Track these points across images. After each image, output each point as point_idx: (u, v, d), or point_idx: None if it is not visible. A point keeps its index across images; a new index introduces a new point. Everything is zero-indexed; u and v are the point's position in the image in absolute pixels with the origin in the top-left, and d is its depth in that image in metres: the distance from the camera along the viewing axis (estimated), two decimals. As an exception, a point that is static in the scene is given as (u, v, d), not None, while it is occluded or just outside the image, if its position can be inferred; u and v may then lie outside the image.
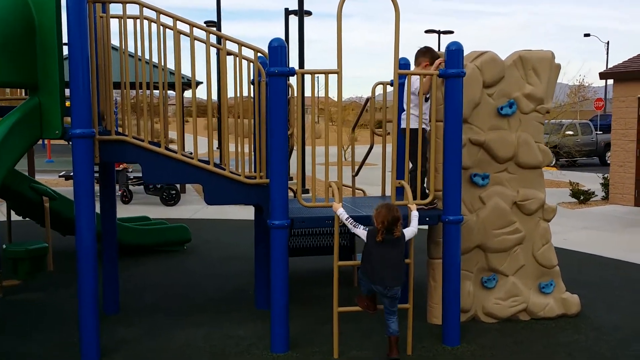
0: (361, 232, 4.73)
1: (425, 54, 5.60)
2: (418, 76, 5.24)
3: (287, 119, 4.90)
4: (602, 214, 12.60)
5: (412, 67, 5.83)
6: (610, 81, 14.53)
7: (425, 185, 5.58)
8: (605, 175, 14.53)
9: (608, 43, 50.07)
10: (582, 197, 14.09)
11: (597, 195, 14.39)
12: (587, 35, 50.20)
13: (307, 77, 6.24)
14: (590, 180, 17.15)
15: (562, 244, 9.37)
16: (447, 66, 5.06)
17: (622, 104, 13.70)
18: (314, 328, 5.63)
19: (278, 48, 4.69)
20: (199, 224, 11.26)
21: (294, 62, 15.04)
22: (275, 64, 4.68)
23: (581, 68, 72.16)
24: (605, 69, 14.32)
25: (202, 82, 12.25)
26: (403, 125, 5.54)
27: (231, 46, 5.53)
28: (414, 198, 5.20)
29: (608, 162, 16.78)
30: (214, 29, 18.57)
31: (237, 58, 5.42)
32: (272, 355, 4.98)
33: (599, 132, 26.88)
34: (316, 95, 6.15)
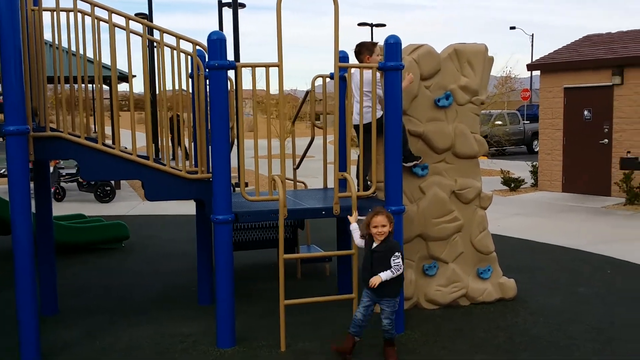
0: (357, 238, 4.87)
1: (368, 47, 5.70)
2: (370, 71, 5.28)
3: (228, 113, 4.86)
4: (532, 201, 13.08)
5: (352, 61, 5.90)
6: (537, 72, 15.07)
7: (367, 177, 5.66)
8: (534, 163, 15.08)
9: (533, 35, 51.80)
10: (512, 184, 14.58)
11: (526, 183, 14.92)
12: (512, 28, 51.81)
13: (245, 71, 6.20)
14: (519, 168, 17.75)
15: (497, 230, 9.67)
16: (386, 59, 5.12)
17: (549, 94, 14.22)
18: (260, 322, 5.63)
19: (217, 41, 4.64)
20: (137, 220, 11.03)
21: (228, 56, 14.88)
22: (215, 57, 4.63)
23: (509, 60, 74.21)
24: (530, 61, 14.86)
25: (135, 76, 11.99)
26: (356, 120, 5.60)
27: (168, 40, 5.45)
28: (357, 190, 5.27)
29: (535, 150, 17.41)
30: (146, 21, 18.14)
31: (175, 52, 5.34)
32: (219, 350, 4.95)
33: (526, 122, 27.86)
34: (255, 88, 6.12)
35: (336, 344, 4.86)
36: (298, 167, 6.95)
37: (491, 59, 6.13)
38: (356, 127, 5.70)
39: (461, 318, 5.73)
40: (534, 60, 14.85)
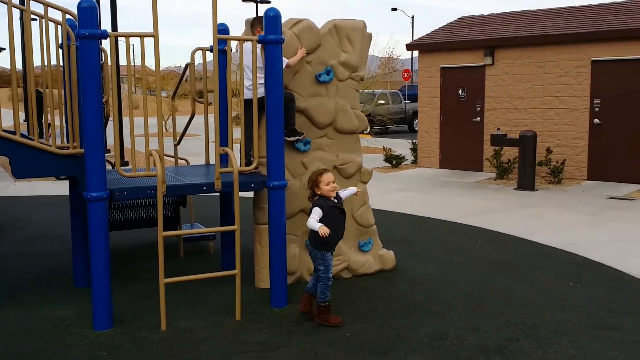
0: (317, 214, 4.80)
1: (261, 20, 5.61)
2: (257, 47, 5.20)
3: (101, 85, 4.63)
4: (412, 177, 13.58)
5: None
6: (417, 53, 15.57)
7: (250, 152, 5.61)
8: (414, 141, 15.63)
9: (413, 17, 53.45)
10: (394, 161, 15.06)
11: (407, 160, 15.46)
12: (394, 9, 53.14)
13: (124, 45, 5.92)
14: (401, 146, 18.37)
15: (378, 205, 9.96)
16: (266, 32, 5.08)
17: (426, 73, 14.75)
18: (140, 302, 5.47)
19: (88, 9, 4.38)
20: (7, 201, 10.37)
21: (106, 28, 14.20)
22: (85, 26, 4.38)
23: (389, 41, 76.43)
24: (411, 41, 15.32)
25: (4, 49, 11.16)
26: (248, 95, 5.50)
27: (36, 8, 5.10)
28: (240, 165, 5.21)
29: (416, 129, 18.02)
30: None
31: (44, 20, 5.00)
32: (95, 332, 4.76)
33: (407, 102, 28.82)
34: (133, 63, 5.88)
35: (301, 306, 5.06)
36: (179, 143, 6.78)
37: (370, 36, 6.24)
38: (246, 101, 5.62)
39: (343, 290, 5.85)
40: (413, 40, 15.31)
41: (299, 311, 5.09)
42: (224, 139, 5.75)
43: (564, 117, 12.57)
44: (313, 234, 4.85)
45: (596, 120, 12.15)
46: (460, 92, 14.13)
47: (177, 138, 6.77)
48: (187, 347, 4.53)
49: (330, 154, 6.11)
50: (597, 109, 12.12)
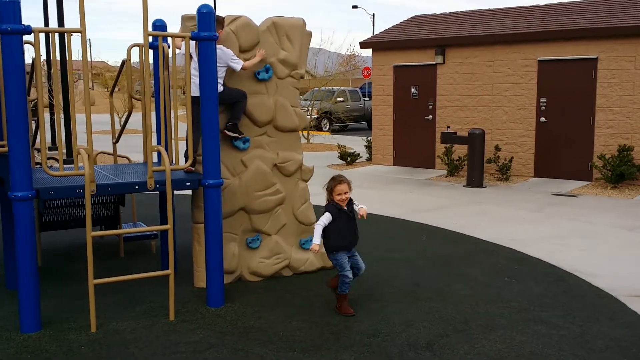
0: (326, 218, 5.18)
1: (219, 21, 5.58)
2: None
3: (28, 81, 4.52)
4: (366, 174, 13.65)
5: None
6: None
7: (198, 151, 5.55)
8: (369, 138, 15.71)
9: (374, 15, 53.70)
10: (349, 159, 15.12)
11: (362, 157, 15.54)
12: (354, 7, 53.30)
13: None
14: (358, 143, 18.43)
15: (327, 203, 10.00)
16: (199, 29, 5.03)
17: (380, 71, 14.84)
18: (72, 304, 5.37)
19: (10, 3, 4.26)
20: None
21: (38, 23, 13.92)
22: (7, 21, 4.26)
23: (346, 38, 76.53)
24: (365, 39, 15.36)
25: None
26: (195, 92, 5.46)
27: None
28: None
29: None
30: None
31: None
32: (22, 335, 4.66)
33: (366, 99, 28.94)
34: (55, 57, 5.68)
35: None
36: (117, 140, 6.68)
37: (309, 34, 6.24)
38: (194, 99, 5.55)
39: (283, 288, 5.85)
40: (367, 39, 15.38)
41: (327, 285, 5.43)
42: (159, 136, 5.68)
43: (512, 116, 12.79)
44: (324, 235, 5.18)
45: (542, 119, 12.39)
46: (413, 90, 14.26)
47: (116, 135, 6.67)
48: (115, 349, 4.46)
49: (270, 152, 6.09)
50: (544, 107, 12.37)
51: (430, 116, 13.99)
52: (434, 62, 13.76)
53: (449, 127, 13.00)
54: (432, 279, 6.13)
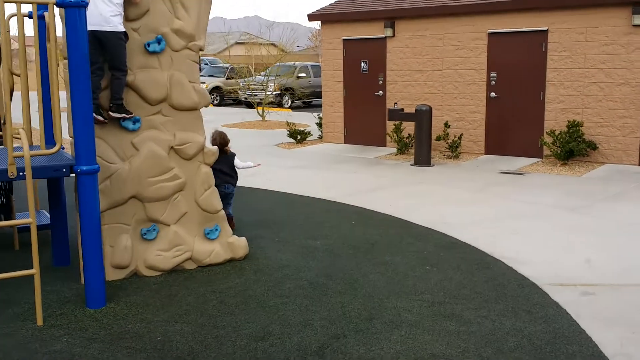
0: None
1: None
2: None
3: None
4: (314, 153, 13.10)
5: None
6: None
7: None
8: (320, 115, 15.14)
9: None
10: (298, 137, 14.54)
11: (313, 135, 14.97)
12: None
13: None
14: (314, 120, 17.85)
15: (265, 185, 9.46)
16: (63, -6, 4.40)
17: (329, 45, 14.23)
18: None
19: None
20: None
21: None
22: None
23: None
24: (313, 11, 14.66)
25: None
26: (96, 27, 4.93)
27: None
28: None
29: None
30: None
31: None
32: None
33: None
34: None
35: None
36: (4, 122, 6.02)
37: (209, 2, 5.64)
38: None
39: (180, 283, 5.32)
40: (315, 10, 14.73)
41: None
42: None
43: (462, 91, 12.30)
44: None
45: (492, 94, 11.92)
46: (362, 64, 13.69)
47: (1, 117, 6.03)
48: (-42, 362, 3.91)
49: (165, 133, 5.51)
50: (494, 82, 11.89)
51: (381, 92, 13.45)
52: (383, 36, 13.19)
53: (396, 103, 12.49)
54: (349, 269, 5.64)
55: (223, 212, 5.88)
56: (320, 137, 14.92)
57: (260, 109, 19.88)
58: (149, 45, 5.33)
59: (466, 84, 12.22)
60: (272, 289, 5.15)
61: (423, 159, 11.25)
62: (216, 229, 5.81)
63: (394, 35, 13.06)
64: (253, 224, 7.21)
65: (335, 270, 5.61)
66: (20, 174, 4.54)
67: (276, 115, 20.33)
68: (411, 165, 11.35)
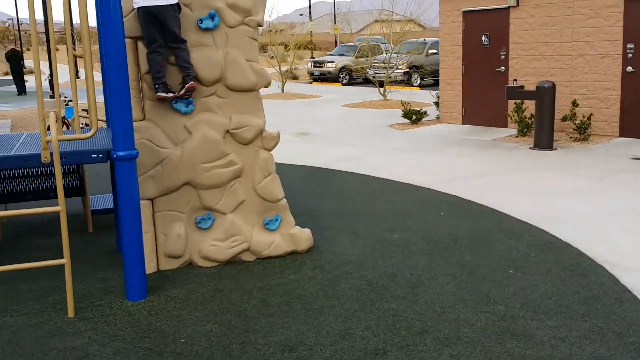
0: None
1: None
2: None
3: None
4: (426, 135, 12.32)
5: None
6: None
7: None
8: (437, 93, 14.24)
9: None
10: (413, 117, 13.78)
11: (429, 115, 14.12)
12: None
13: None
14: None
15: (359, 169, 8.94)
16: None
17: (447, 18, 13.28)
18: (-12, 290, 4.80)
19: None
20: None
21: None
22: None
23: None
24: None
25: None
26: (148, 2, 4.70)
27: None
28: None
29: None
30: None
31: None
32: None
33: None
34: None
35: None
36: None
37: (267, -28, 5.17)
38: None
39: (232, 277, 4.97)
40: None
41: None
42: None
43: (593, 65, 10.91)
44: None
45: (629, 68, 10.44)
46: (483, 38, 12.62)
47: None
48: (-22, 353, 3.80)
49: (221, 116, 5.15)
50: (631, 54, 10.40)
51: (503, 67, 12.33)
52: (506, 5, 12.03)
53: (515, 80, 11.36)
54: (418, 269, 5.00)
55: (284, 201, 5.44)
56: (438, 118, 14.05)
57: (385, 88, 19.26)
58: (201, 21, 4.98)
59: (598, 57, 10.81)
60: (325, 289, 4.65)
61: (544, 142, 10.12)
62: (276, 219, 5.40)
63: (517, 5, 11.86)
64: (329, 212, 6.72)
65: (402, 269, 4.99)
66: (63, 158, 4.39)
67: (398, 94, 19.56)
68: (530, 148, 10.26)
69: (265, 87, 5.30)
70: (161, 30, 4.83)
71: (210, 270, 5.14)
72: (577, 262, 5.04)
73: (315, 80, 29.26)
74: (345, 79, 27.74)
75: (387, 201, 7.19)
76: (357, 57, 27.35)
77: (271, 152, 5.35)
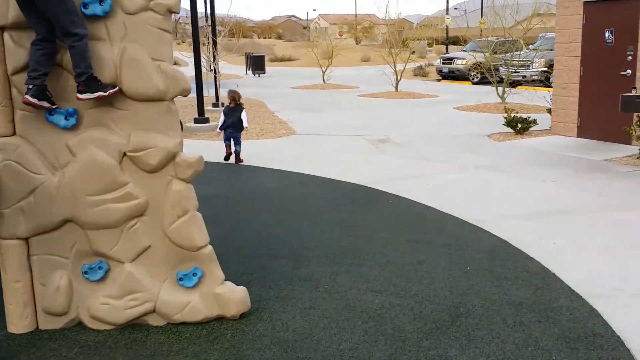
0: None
1: None
2: None
3: None
4: (525, 148, 10.25)
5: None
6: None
7: None
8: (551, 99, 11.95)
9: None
10: (519, 126, 11.63)
11: (538, 124, 11.86)
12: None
13: None
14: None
15: (416, 193, 7.23)
16: None
17: (566, 10, 11.01)
18: None
19: None
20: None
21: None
22: None
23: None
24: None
25: None
26: None
27: None
28: None
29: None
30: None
31: None
32: None
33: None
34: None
35: None
36: None
37: (179, -62, 3.76)
38: None
39: (120, 349, 3.66)
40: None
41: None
42: None
43: None
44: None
45: None
46: (607, 34, 10.24)
47: None
48: None
49: (117, 133, 3.84)
50: None
51: (629, 71, 9.87)
52: (637, -6, 9.61)
53: (634, 87, 8.95)
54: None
55: (209, 249, 4.01)
56: (550, 128, 11.75)
57: (504, 88, 17.04)
58: (86, 5, 3.68)
59: None
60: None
61: (667, 168, 7.76)
62: (195, 273, 3.99)
63: (651, -7, 9.40)
64: (320, 254, 5.19)
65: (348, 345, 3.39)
66: None
67: (521, 96, 17.08)
68: (650, 175, 7.94)
69: (182, 95, 3.89)
70: (41, 17, 3.61)
71: (99, 337, 3.87)
72: (588, 332, 3.14)
73: (444, 78, 27.18)
74: (477, 77, 25.39)
75: (408, 241, 5.49)
76: (493, 53, 24.84)
77: (189, 184, 3.95)
